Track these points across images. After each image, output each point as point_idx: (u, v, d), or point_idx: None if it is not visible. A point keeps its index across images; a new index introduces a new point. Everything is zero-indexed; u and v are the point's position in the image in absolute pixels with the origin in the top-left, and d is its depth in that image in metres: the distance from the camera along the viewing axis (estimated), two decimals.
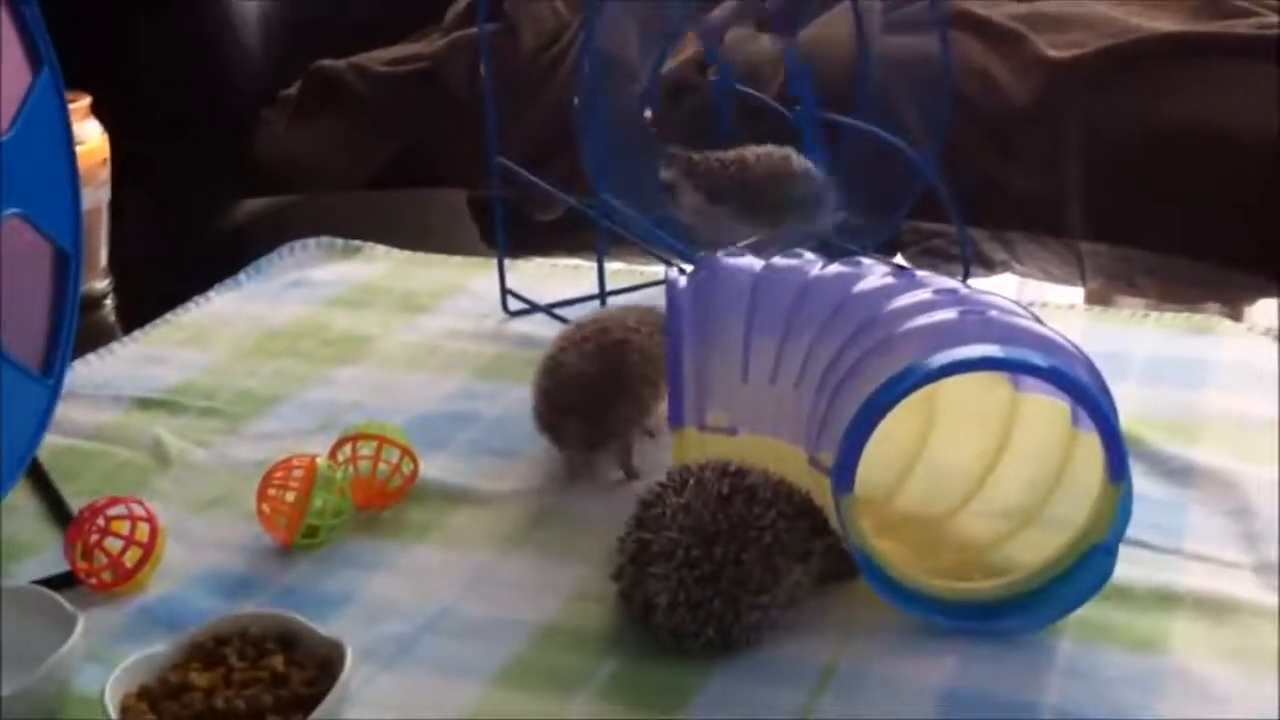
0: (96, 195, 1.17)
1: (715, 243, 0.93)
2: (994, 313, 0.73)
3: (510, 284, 1.13)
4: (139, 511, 0.77)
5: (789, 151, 1.12)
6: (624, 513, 0.73)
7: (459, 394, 0.98)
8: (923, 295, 0.75)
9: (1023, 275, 1.29)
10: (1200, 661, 0.68)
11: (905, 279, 0.78)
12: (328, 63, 1.85)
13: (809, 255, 0.82)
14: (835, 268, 0.80)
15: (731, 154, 1.08)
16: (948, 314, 0.73)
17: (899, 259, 1.23)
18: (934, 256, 1.26)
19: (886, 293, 0.76)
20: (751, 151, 1.09)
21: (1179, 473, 0.84)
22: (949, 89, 1.11)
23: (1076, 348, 0.72)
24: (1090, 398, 0.69)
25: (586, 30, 1.03)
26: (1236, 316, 1.13)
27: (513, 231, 1.09)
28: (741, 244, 1.00)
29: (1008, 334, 0.71)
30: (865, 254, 1.07)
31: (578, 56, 1.11)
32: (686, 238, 1.06)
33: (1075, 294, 1.23)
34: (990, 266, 1.29)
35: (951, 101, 1.12)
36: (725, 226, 1.06)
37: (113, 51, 1.63)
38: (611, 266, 1.12)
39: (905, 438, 0.81)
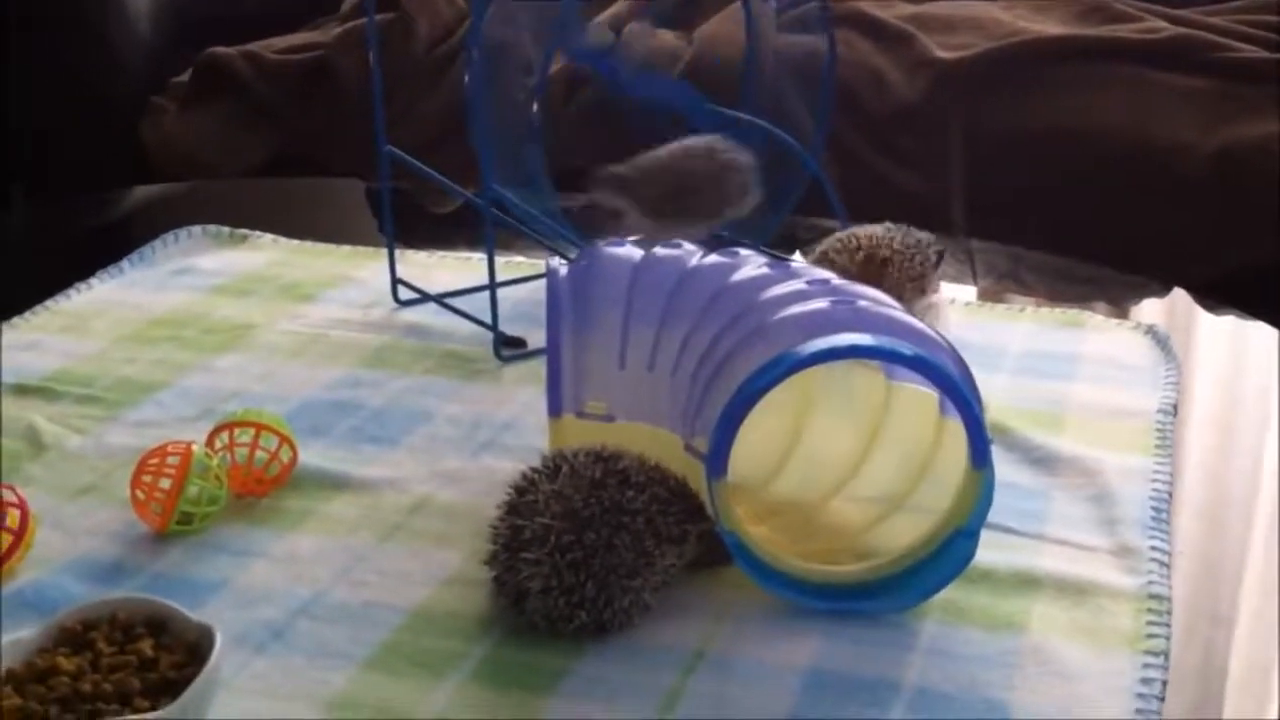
0: None
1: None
2: (864, 303, 0.75)
3: (401, 274, 1.12)
4: (10, 498, 0.76)
5: (712, 142, 1.11)
6: (501, 500, 0.73)
7: (342, 382, 0.97)
8: (796, 285, 0.77)
9: None
10: (1056, 640, 0.70)
11: (780, 269, 0.79)
12: (220, 50, 1.83)
13: (688, 246, 0.83)
14: (713, 258, 0.81)
15: (664, 157, 1.04)
16: (819, 304, 0.74)
17: (798, 256, 1.25)
18: None
19: (761, 283, 0.78)
20: (680, 149, 1.05)
21: (1044, 461, 0.86)
22: (832, 86, 1.13)
23: (943, 338, 0.74)
24: (954, 386, 0.71)
25: (473, 17, 1.04)
26: (1123, 315, 1.15)
27: (409, 223, 1.07)
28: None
29: (877, 323, 0.73)
30: (758, 249, 1.07)
31: (466, 44, 1.11)
32: (577, 229, 1.06)
33: (968, 291, 1.24)
34: None
35: (833, 97, 1.14)
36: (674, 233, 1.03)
37: None
38: (504, 259, 1.12)
39: (783, 426, 0.83)
